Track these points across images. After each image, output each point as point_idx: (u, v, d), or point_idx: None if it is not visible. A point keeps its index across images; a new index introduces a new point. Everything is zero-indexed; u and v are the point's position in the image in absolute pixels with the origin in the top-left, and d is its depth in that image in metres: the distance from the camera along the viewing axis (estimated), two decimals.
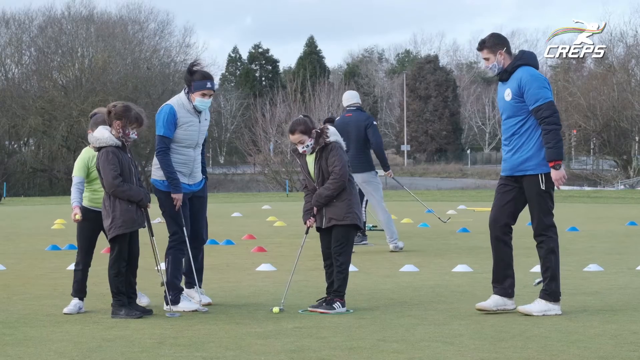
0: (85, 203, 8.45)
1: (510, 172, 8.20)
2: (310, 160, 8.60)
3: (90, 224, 8.46)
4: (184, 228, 8.57)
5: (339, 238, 8.48)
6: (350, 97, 14.38)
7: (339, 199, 8.47)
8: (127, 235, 8.21)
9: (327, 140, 8.49)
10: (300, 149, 8.53)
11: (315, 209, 8.57)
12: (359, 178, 13.82)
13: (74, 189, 8.34)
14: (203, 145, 8.91)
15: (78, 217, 8.24)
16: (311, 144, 8.49)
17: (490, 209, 8.50)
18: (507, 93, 8.14)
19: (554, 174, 7.99)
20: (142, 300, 8.66)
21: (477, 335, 7.16)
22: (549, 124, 7.96)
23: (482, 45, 8.22)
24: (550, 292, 8.05)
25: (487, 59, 8.21)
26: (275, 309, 8.32)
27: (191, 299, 8.61)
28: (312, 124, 8.48)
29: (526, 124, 8.07)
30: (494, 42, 8.18)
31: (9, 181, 50.59)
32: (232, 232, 17.63)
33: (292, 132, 8.48)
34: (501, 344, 6.80)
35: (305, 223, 8.67)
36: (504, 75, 8.18)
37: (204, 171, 8.93)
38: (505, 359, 6.32)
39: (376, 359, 6.38)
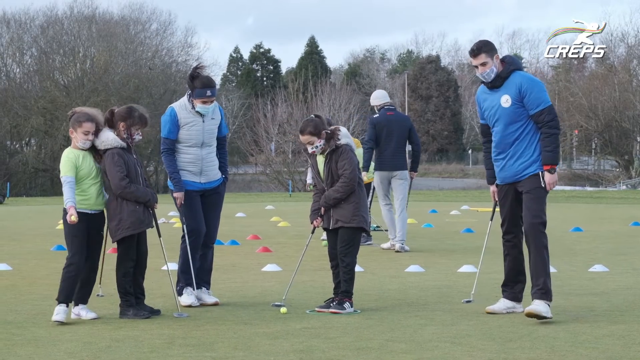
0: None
1: (511, 180, 8.12)
2: (321, 160, 8.62)
3: (81, 225, 7.99)
4: (184, 226, 8.78)
5: (345, 239, 8.50)
6: (384, 96, 14.64)
7: (346, 201, 8.48)
8: (134, 236, 8.22)
9: (338, 142, 8.52)
10: (309, 149, 8.55)
11: (322, 209, 8.60)
12: (398, 174, 14.20)
13: (67, 188, 7.91)
14: (224, 144, 9.08)
15: (74, 218, 7.82)
16: (320, 145, 8.50)
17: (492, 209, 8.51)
18: (505, 99, 8.01)
19: (548, 177, 7.96)
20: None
21: (485, 335, 7.18)
22: (551, 127, 7.93)
23: (479, 51, 8.02)
24: (547, 290, 7.89)
25: (484, 64, 8.01)
26: (283, 310, 8.35)
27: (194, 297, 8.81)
28: (322, 124, 8.49)
29: (526, 129, 8.00)
30: (490, 47, 8.07)
31: (11, 181, 50.59)
32: (236, 233, 17.65)
33: (302, 132, 8.51)
34: (509, 345, 6.82)
35: (312, 222, 8.71)
36: (498, 81, 8.05)
37: (224, 170, 9.07)
38: (513, 359, 6.34)
39: (385, 359, 6.40)
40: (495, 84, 8.08)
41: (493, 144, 8.24)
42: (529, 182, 8.02)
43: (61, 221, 8.37)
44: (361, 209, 8.54)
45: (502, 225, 8.31)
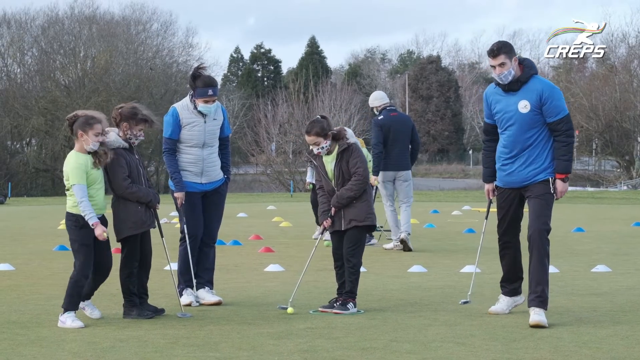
0: (77, 211, 7.87)
1: (517, 185, 8.03)
2: (328, 161, 8.61)
3: (88, 231, 7.85)
4: (184, 226, 8.84)
5: (352, 239, 8.50)
6: (383, 97, 14.68)
7: (359, 200, 8.49)
8: (137, 236, 8.22)
9: (348, 142, 8.52)
10: (315, 150, 8.55)
11: (333, 210, 8.59)
12: (403, 175, 14.30)
13: (85, 202, 7.74)
14: (226, 144, 9.11)
15: (106, 235, 7.77)
16: (327, 146, 8.51)
17: (492, 209, 8.49)
18: (523, 105, 7.85)
19: (561, 185, 7.89)
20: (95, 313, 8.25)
21: (489, 335, 7.19)
22: (568, 136, 7.86)
23: (499, 51, 7.83)
24: (545, 298, 7.78)
25: (503, 65, 7.81)
26: (290, 309, 8.35)
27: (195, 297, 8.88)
28: (329, 125, 8.50)
29: (541, 136, 7.90)
30: (509, 48, 7.89)
31: (12, 181, 50.60)
32: (238, 233, 17.66)
33: (308, 133, 8.50)
34: (513, 345, 6.83)
35: (321, 224, 8.70)
36: (516, 85, 7.89)
37: (226, 170, 9.11)
38: (517, 359, 6.35)
39: (389, 359, 6.41)
40: (513, 87, 7.90)
41: (503, 147, 8.07)
42: (538, 188, 7.92)
43: (63, 221, 8.35)
44: (372, 208, 8.61)
45: (500, 227, 8.22)
